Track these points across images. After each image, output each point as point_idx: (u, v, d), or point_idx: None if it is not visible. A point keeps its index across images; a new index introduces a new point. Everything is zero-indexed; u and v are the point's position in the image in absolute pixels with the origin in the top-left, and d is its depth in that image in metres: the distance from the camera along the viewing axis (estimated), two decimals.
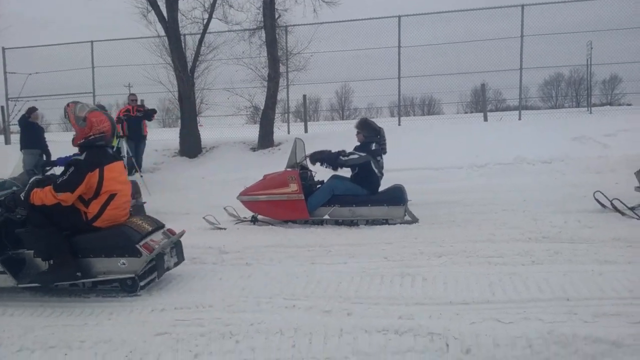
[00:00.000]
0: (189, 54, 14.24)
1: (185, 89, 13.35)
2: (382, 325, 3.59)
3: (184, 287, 4.69)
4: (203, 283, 4.76)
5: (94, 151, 4.59)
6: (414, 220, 7.04)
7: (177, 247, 5.01)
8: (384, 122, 16.53)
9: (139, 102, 12.88)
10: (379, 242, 5.93)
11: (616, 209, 6.72)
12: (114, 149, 10.72)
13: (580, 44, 16.49)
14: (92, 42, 16.49)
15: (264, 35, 13.77)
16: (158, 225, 4.94)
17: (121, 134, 11.62)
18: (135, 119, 12.03)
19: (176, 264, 4.97)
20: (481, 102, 15.97)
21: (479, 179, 9.47)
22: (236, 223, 7.63)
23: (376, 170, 7.20)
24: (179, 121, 14.41)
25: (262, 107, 14.00)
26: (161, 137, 14.19)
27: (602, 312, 3.61)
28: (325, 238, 6.33)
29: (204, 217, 7.54)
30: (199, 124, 14.62)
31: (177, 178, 11.86)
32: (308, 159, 7.60)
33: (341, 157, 7.17)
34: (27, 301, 4.59)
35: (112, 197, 4.59)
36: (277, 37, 13.87)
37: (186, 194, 10.37)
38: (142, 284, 4.51)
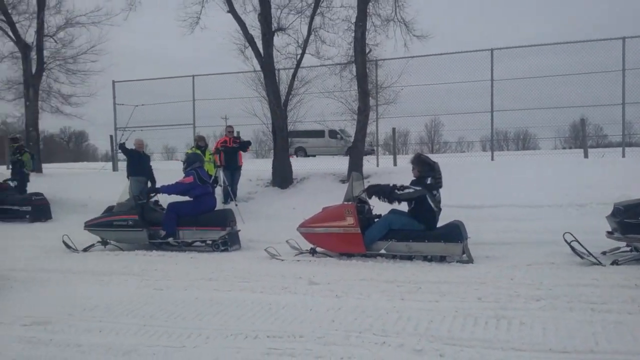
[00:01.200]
0: (283, 88, 14.72)
1: (279, 121, 13.78)
2: None
3: (275, 315, 4.79)
4: (294, 313, 4.84)
5: None
6: (470, 260, 6.85)
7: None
8: (476, 157, 16.35)
9: (235, 134, 13.47)
10: (471, 281, 5.77)
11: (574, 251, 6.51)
12: (212, 178, 11.40)
13: None
14: (193, 76, 17.52)
15: (354, 69, 14.01)
16: None
17: (218, 164, 12.20)
18: (231, 150, 12.59)
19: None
20: (581, 138, 15.23)
21: (580, 219, 8.96)
22: (296, 255, 7.70)
23: (433, 205, 7.12)
24: (272, 152, 14.87)
25: (352, 140, 14.14)
26: (255, 168, 14.69)
27: None
28: (415, 274, 6.25)
29: (265, 249, 7.68)
30: (290, 155, 15.00)
31: (269, 207, 12.19)
32: (365, 193, 7.60)
33: (396, 191, 7.14)
34: None
35: None
36: (367, 71, 14.06)
37: (277, 223, 10.62)
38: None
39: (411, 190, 7.11)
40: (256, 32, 13.98)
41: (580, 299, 4.91)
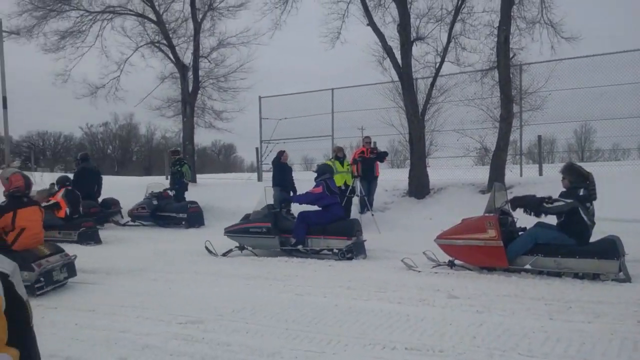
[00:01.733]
0: (420, 97, 14.63)
1: (416, 131, 13.69)
2: None
3: (413, 327, 4.75)
4: (433, 326, 4.76)
5: (11, 200, 6.71)
6: (627, 279, 6.22)
7: (68, 266, 6.90)
8: (632, 165, 14.79)
9: (372, 144, 13.62)
10: (630, 302, 5.25)
11: None
12: (350, 188, 11.69)
13: None
14: (332, 89, 18.06)
15: (496, 75, 13.49)
16: (57, 250, 6.93)
17: (356, 174, 12.42)
18: (368, 160, 12.74)
19: (66, 278, 6.84)
20: None
21: None
22: (433, 267, 7.49)
23: (585, 219, 6.56)
24: (407, 162, 14.80)
25: (492, 149, 13.61)
26: (391, 177, 14.71)
27: None
28: (564, 292, 5.83)
29: (402, 260, 7.57)
30: (427, 165, 14.83)
31: (405, 218, 12.13)
32: (509, 204, 7.21)
33: (544, 204, 6.68)
34: None
35: (22, 230, 6.55)
36: (511, 76, 13.45)
37: (413, 234, 10.52)
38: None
39: (562, 203, 6.63)
40: (394, 42, 14.10)
41: None
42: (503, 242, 6.82)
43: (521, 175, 14.43)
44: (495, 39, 13.25)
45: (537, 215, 6.92)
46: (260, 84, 22.66)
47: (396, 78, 14.47)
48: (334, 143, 17.05)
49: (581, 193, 6.62)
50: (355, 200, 12.59)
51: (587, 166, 15.42)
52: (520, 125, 14.80)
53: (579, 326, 4.60)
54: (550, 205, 6.70)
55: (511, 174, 13.72)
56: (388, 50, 13.99)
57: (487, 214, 7.12)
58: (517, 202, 7.11)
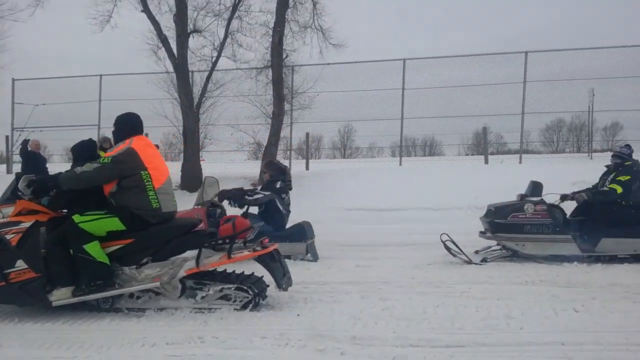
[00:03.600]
0: (196, 90, 14.49)
1: (190, 124, 13.53)
2: None
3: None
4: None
5: None
6: (315, 258, 7.27)
7: None
8: (385, 162, 16.80)
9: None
10: (376, 281, 5.90)
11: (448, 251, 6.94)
12: None
13: (582, 90, 16.68)
14: (100, 75, 16.80)
15: (270, 73, 14.02)
16: None
17: None
18: None
19: None
20: (482, 145, 16.09)
21: (478, 221, 9.47)
22: None
23: (281, 208, 7.49)
24: (181, 155, 14.54)
25: (264, 144, 14.13)
26: None
27: (599, 357, 3.57)
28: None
29: None
30: (201, 159, 14.74)
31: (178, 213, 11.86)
32: (217, 197, 7.65)
33: (247, 197, 7.35)
34: None
35: None
36: (283, 76, 14.12)
37: None
38: None
39: (261, 195, 7.34)
40: (171, 32, 13.72)
41: (472, 295, 5.20)
42: None
43: (290, 169, 15.22)
44: (270, 39, 13.77)
45: (241, 206, 7.45)
46: (16, 65, 20.04)
47: (171, 69, 14.12)
48: (101, 133, 15.88)
49: (278, 185, 7.52)
50: None
51: (348, 162, 16.97)
52: (291, 123, 15.64)
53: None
54: (251, 198, 7.32)
55: None
56: (163, 40, 13.57)
57: (196, 207, 7.40)
58: (224, 195, 7.52)
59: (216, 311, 4.77)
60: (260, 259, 4.95)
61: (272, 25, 13.70)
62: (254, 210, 7.59)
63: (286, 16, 13.76)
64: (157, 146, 11.96)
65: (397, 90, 15.36)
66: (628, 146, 7.41)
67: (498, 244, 7.32)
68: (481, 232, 7.40)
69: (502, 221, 7.01)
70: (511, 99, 15.11)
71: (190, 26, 13.84)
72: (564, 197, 7.29)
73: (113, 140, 5.39)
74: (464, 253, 6.92)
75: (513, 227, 6.96)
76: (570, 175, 11.52)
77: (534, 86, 15.01)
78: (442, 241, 6.95)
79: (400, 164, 15.34)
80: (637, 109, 14.69)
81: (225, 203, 7.54)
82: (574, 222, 7.06)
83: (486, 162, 14.78)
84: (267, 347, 3.98)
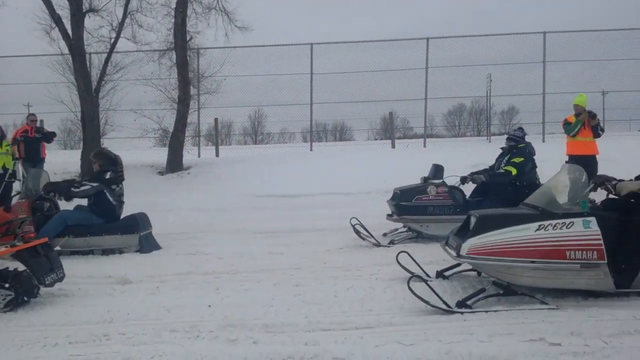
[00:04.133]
0: (94, 73, 13.75)
1: (89, 109, 12.82)
2: None
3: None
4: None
5: None
6: (150, 250, 7.11)
7: None
8: (296, 147, 16.85)
9: (38, 123, 12.18)
10: (288, 268, 5.91)
11: (357, 234, 7.12)
12: (9, 172, 10.15)
13: (480, 76, 17.60)
14: None
15: (174, 56, 13.55)
16: None
17: (17, 156, 10.89)
18: (33, 141, 11.35)
19: None
20: (389, 130, 16.56)
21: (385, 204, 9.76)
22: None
23: (112, 199, 7.25)
24: (82, 143, 13.77)
25: (171, 130, 13.68)
26: (62, 160, 13.46)
27: (496, 332, 3.78)
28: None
29: None
30: (102, 146, 14.02)
31: (75, 203, 11.22)
32: (43, 190, 7.45)
33: (72, 189, 7.13)
34: None
35: None
36: (188, 59, 13.68)
37: None
38: None
39: (88, 187, 7.11)
40: (65, 12, 12.82)
41: (381, 277, 5.35)
42: (36, 228, 6.81)
43: (199, 157, 14.92)
44: (173, 20, 13.28)
45: (67, 199, 7.21)
46: None
47: (66, 50, 13.24)
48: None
49: (108, 176, 7.23)
50: (17, 185, 11.06)
51: (259, 148, 16.82)
52: (198, 108, 15.23)
53: None
54: (77, 190, 7.09)
55: (189, 155, 14.03)
56: (56, 19, 12.69)
57: (20, 200, 7.24)
58: (49, 188, 7.29)
59: (122, 305, 4.62)
60: (17, 255, 4.80)
61: (174, 5, 13.26)
62: (84, 202, 7.32)
63: None
64: (54, 133, 11.32)
65: (306, 75, 15.40)
66: (521, 129, 7.88)
67: (404, 226, 7.56)
68: (388, 215, 7.59)
69: (407, 204, 7.24)
70: (415, 85, 15.65)
71: (86, 5, 13.05)
72: (463, 179, 7.63)
73: None
74: (372, 236, 7.10)
75: (417, 209, 7.22)
76: (471, 158, 12.14)
77: (436, 72, 15.62)
78: (351, 225, 7.08)
79: (311, 150, 15.45)
80: (531, 94, 15.64)
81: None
82: (472, 203, 7.41)
83: (393, 146, 15.23)
84: (177, 340, 3.89)
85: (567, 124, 9.30)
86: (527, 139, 7.80)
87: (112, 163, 7.39)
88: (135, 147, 15.22)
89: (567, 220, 4.32)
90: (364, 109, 17.64)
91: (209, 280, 5.55)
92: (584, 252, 4.24)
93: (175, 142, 13.21)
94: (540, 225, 4.33)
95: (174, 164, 13.05)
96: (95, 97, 13.09)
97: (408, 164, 11.74)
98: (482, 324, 3.94)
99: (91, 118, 12.89)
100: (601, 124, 9.41)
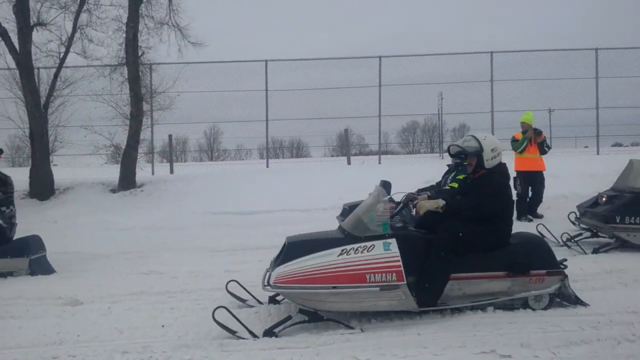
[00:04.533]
0: (43, 89, 13.34)
1: (38, 125, 12.42)
2: None
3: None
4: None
5: None
6: (45, 273, 6.85)
7: None
8: (253, 164, 16.80)
9: None
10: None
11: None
12: None
13: (432, 94, 18.04)
14: None
15: (126, 72, 13.34)
16: None
17: None
18: None
19: None
20: (345, 146, 16.72)
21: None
22: None
23: (1, 221, 7.04)
24: (30, 160, 13.32)
25: (123, 147, 13.41)
26: None
27: (449, 345, 3.86)
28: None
29: None
30: (52, 163, 13.59)
31: (26, 222, 10.79)
32: None
33: None
34: None
35: None
36: (140, 74, 13.49)
37: None
38: None
39: None
40: (11, 25, 12.45)
41: None
42: None
43: (153, 174, 14.64)
44: (124, 35, 13.08)
45: None
46: None
47: (13, 65, 12.84)
48: None
49: None
50: None
51: (215, 165, 16.62)
52: (152, 124, 14.98)
53: None
54: None
55: (142, 172, 13.75)
56: (2, 33, 12.29)
57: None
58: None
59: (72, 327, 4.48)
60: None
61: (125, 20, 13.04)
62: None
63: (140, 11, 13.18)
64: (0, 150, 10.90)
65: (261, 91, 15.42)
66: None
67: None
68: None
69: None
70: (370, 102, 15.87)
71: (34, 18, 12.69)
72: (410, 196, 7.69)
73: None
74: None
75: None
76: (424, 174, 12.39)
77: (389, 89, 15.89)
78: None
79: (267, 166, 15.42)
80: (480, 112, 16.11)
81: None
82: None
83: (349, 162, 15.37)
84: None
85: (514, 141, 9.65)
86: None
87: (1, 184, 7.12)
88: (86, 165, 14.84)
89: (369, 244, 4.35)
90: (320, 125, 17.78)
91: (163, 300, 5.44)
92: (384, 275, 4.25)
93: (127, 159, 12.92)
94: (342, 250, 4.33)
95: (127, 181, 12.75)
96: (44, 113, 12.70)
97: (363, 180, 11.84)
98: (436, 338, 4.01)
99: (40, 134, 12.48)
100: (547, 141, 9.81)
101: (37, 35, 12.99)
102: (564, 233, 7.71)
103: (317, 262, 4.28)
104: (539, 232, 7.25)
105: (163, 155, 18.20)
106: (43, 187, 12.34)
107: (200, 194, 11.79)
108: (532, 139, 9.41)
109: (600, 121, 15.64)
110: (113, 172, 13.49)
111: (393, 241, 4.36)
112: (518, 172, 9.39)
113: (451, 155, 5.79)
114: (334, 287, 4.21)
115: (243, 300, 5.14)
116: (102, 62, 14.01)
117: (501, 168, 4.88)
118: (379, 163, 15.29)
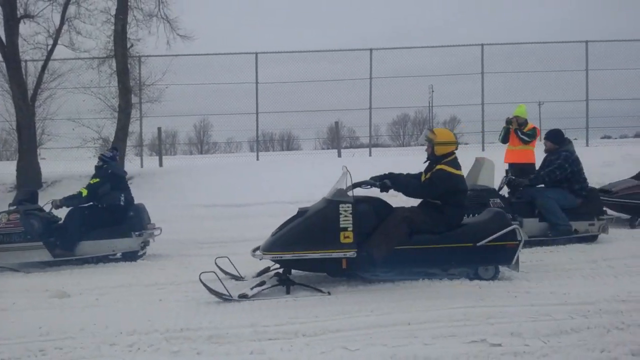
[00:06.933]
0: (31, 81, 13.19)
1: (25, 118, 12.29)
2: None
3: None
4: None
5: None
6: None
7: None
8: (243, 157, 16.70)
9: None
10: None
11: None
12: None
13: (423, 87, 18.02)
14: None
15: (114, 64, 13.21)
16: None
17: None
18: None
19: None
20: (336, 139, 16.69)
21: None
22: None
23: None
24: (17, 154, 13.19)
25: (112, 139, 13.30)
26: None
27: (439, 334, 3.85)
28: None
29: None
30: (40, 157, 13.46)
31: None
32: None
33: None
34: None
35: None
36: (129, 67, 13.36)
37: None
38: None
39: None
40: None
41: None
42: None
43: (142, 167, 14.55)
44: (113, 27, 12.95)
45: None
46: None
47: (0, 58, 12.69)
48: None
49: None
50: None
51: (205, 158, 16.55)
52: (140, 117, 14.85)
53: None
54: None
55: (131, 165, 13.65)
56: None
57: None
58: None
59: (59, 319, 4.44)
60: None
61: (113, 12, 12.89)
62: None
63: (129, 3, 13.04)
64: None
65: (251, 84, 15.34)
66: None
67: None
68: None
69: None
70: (360, 95, 15.85)
71: (21, 10, 12.54)
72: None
73: None
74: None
75: None
76: (413, 166, 12.35)
77: (380, 82, 15.87)
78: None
79: (258, 159, 15.36)
80: (471, 104, 16.11)
81: None
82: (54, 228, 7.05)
83: (339, 155, 15.34)
84: (117, 354, 3.78)
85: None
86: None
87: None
88: (74, 158, 14.71)
89: None
90: (311, 118, 17.79)
91: (151, 291, 5.40)
92: None
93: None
94: None
95: None
96: (31, 106, 12.57)
97: (354, 173, 11.84)
98: (426, 327, 4.00)
99: (27, 127, 12.36)
100: (522, 130, 9.31)
101: (25, 28, 12.88)
102: None
103: None
104: None
105: (152, 148, 18.11)
106: (31, 180, 12.21)
107: (190, 187, 11.74)
108: (512, 131, 9.20)
109: (590, 113, 15.74)
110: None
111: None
112: (509, 165, 9.32)
113: None
114: None
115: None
116: (91, 55, 13.89)
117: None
118: (370, 155, 15.28)
